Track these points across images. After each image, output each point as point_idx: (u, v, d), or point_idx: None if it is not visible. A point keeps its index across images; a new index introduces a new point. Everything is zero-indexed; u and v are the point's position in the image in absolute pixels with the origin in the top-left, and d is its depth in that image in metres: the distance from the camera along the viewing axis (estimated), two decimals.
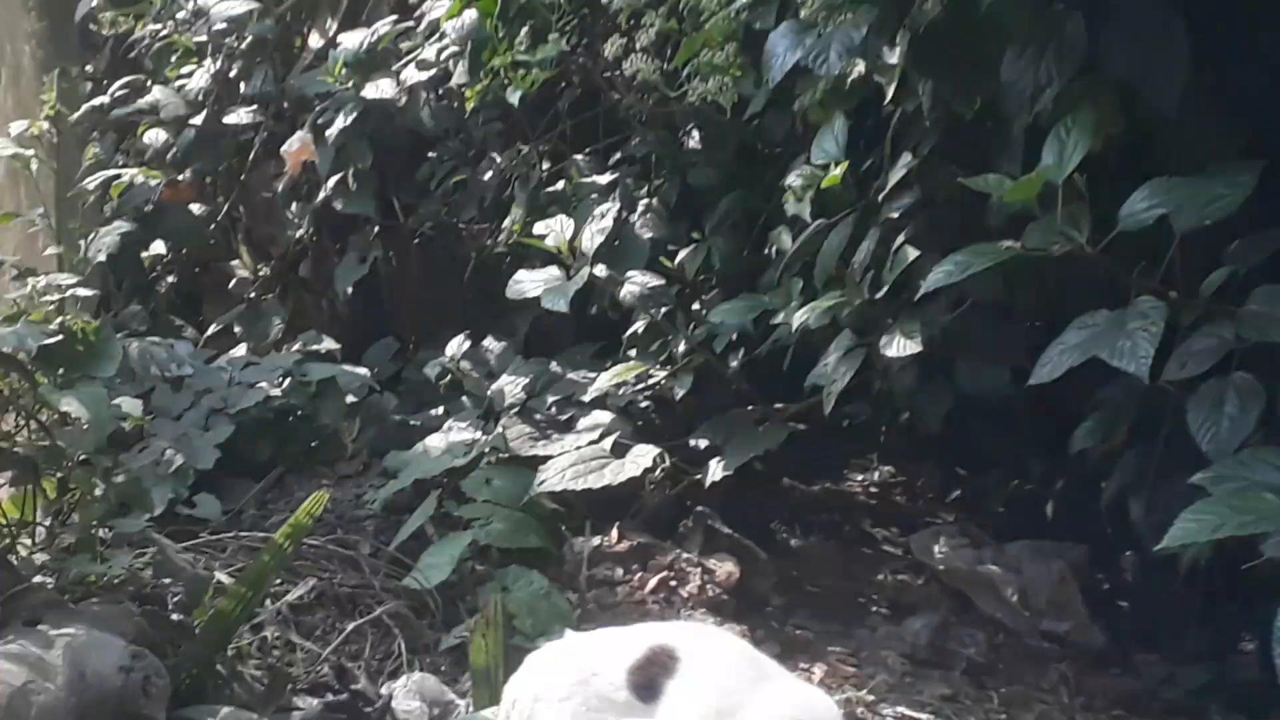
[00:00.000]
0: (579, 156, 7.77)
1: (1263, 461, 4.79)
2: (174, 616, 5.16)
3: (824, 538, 7.39)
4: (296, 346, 7.79)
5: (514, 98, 7.20)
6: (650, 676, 3.79)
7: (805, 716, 3.66)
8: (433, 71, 7.98)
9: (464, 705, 5.42)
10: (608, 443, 6.63)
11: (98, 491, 5.60)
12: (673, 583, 6.26)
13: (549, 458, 6.57)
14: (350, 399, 7.31)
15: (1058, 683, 6.36)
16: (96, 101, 9.07)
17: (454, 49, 7.69)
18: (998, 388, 6.61)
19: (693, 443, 6.83)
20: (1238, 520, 4.58)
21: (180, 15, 9.31)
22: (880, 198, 6.21)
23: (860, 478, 8.18)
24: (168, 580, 5.36)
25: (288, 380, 7.30)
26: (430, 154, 8.39)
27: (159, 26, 9.43)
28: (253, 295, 8.96)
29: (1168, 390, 5.81)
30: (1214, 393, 5.13)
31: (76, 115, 8.64)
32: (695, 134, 7.27)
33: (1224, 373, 5.13)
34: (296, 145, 8.40)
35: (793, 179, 6.43)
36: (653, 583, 6.25)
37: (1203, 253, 5.43)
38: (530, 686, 4.01)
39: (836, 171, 6.14)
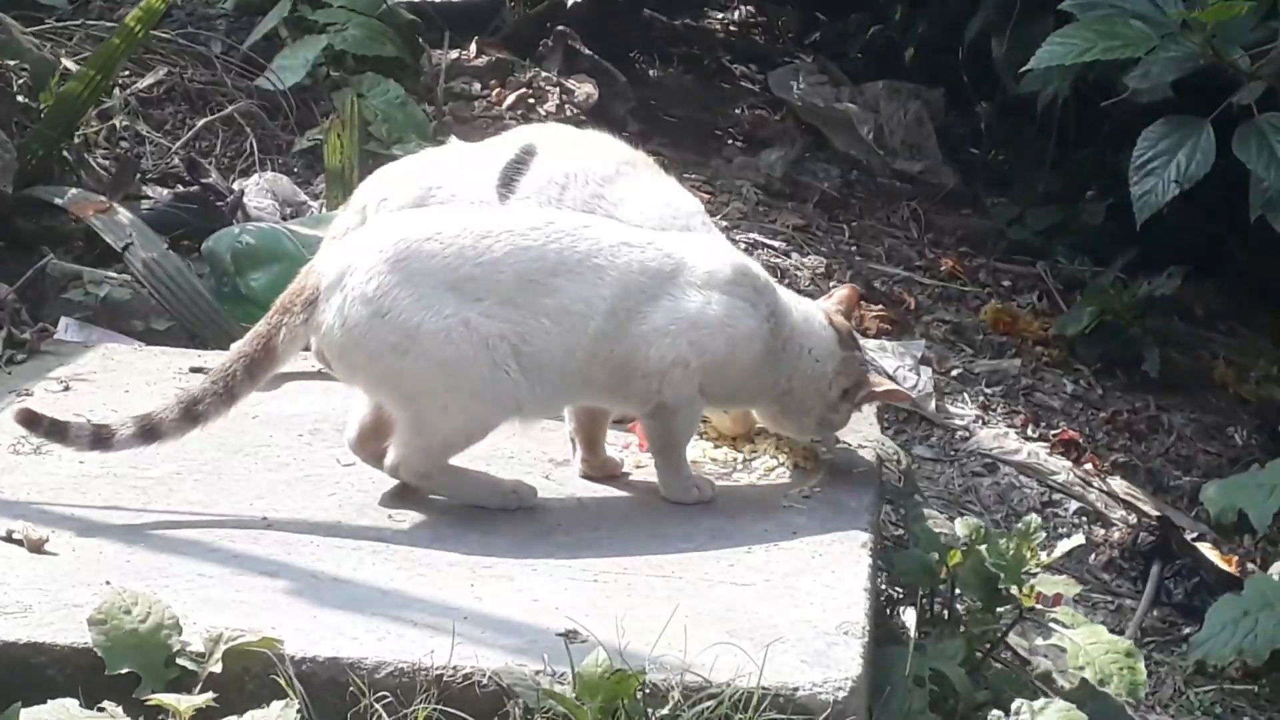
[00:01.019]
0: None
1: None
2: (19, 98, 4.99)
3: (682, 70, 7.33)
4: None
5: None
6: (508, 175, 3.75)
7: (668, 209, 3.65)
8: None
9: (316, 206, 5.37)
10: None
11: None
12: (531, 100, 6.19)
13: None
14: None
15: (908, 219, 6.46)
16: None
17: None
18: None
19: None
20: (1104, 45, 4.60)
21: None
22: None
23: (721, 16, 8.09)
24: (12, 61, 5.15)
25: None
26: None
27: None
28: None
29: None
30: None
31: None
32: None
33: None
34: None
35: None
36: (510, 99, 6.17)
37: None
38: (396, 187, 3.92)
39: None
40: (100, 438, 3.13)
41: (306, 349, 3.32)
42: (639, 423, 3.41)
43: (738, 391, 3.36)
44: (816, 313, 3.42)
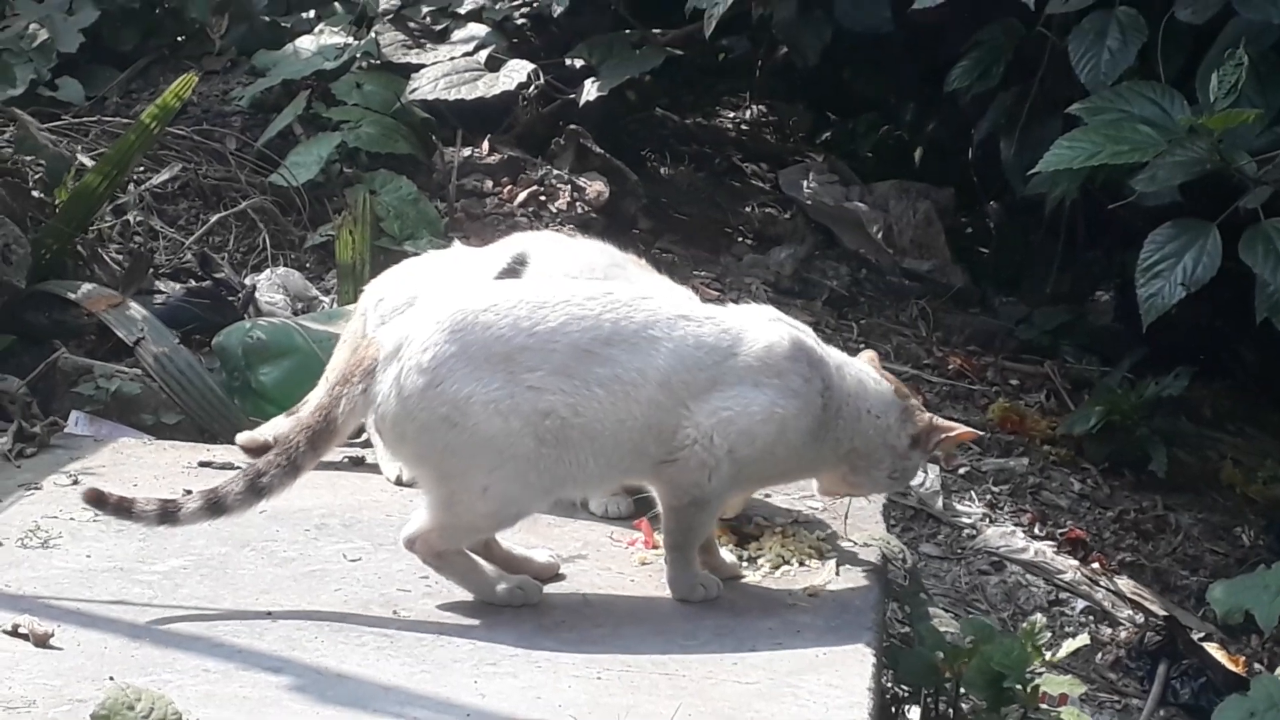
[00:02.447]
0: None
1: (1139, 94, 4.83)
2: (35, 193, 5.03)
3: (694, 168, 7.38)
4: None
5: None
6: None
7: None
8: None
9: (328, 301, 5.41)
10: (482, 55, 6.52)
11: None
12: (542, 197, 6.24)
13: (421, 66, 6.46)
14: None
15: (917, 317, 6.48)
16: None
17: None
18: (878, 24, 6.57)
19: (568, 62, 6.73)
20: (1112, 149, 4.63)
21: None
22: None
23: (732, 115, 8.14)
24: (29, 157, 5.21)
25: None
26: None
27: None
28: None
29: (1046, 36, 5.83)
30: (1097, 25, 5.16)
31: None
32: None
33: (1107, 7, 5.17)
34: None
35: None
36: (522, 196, 6.22)
37: None
38: (392, 288, 3.97)
39: None
40: (167, 512, 3.15)
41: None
42: (662, 513, 3.38)
43: (790, 470, 3.38)
44: (867, 370, 3.44)
